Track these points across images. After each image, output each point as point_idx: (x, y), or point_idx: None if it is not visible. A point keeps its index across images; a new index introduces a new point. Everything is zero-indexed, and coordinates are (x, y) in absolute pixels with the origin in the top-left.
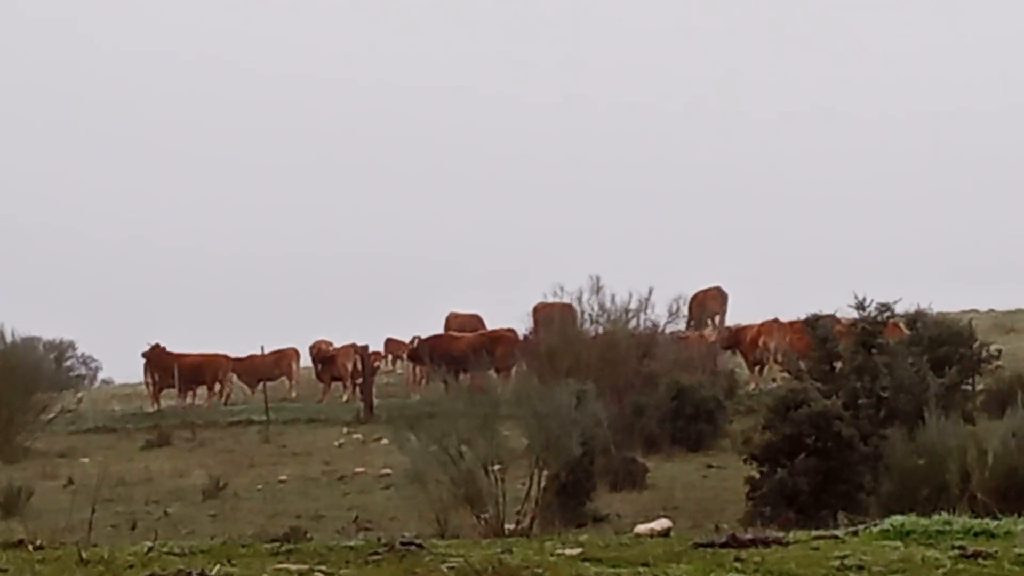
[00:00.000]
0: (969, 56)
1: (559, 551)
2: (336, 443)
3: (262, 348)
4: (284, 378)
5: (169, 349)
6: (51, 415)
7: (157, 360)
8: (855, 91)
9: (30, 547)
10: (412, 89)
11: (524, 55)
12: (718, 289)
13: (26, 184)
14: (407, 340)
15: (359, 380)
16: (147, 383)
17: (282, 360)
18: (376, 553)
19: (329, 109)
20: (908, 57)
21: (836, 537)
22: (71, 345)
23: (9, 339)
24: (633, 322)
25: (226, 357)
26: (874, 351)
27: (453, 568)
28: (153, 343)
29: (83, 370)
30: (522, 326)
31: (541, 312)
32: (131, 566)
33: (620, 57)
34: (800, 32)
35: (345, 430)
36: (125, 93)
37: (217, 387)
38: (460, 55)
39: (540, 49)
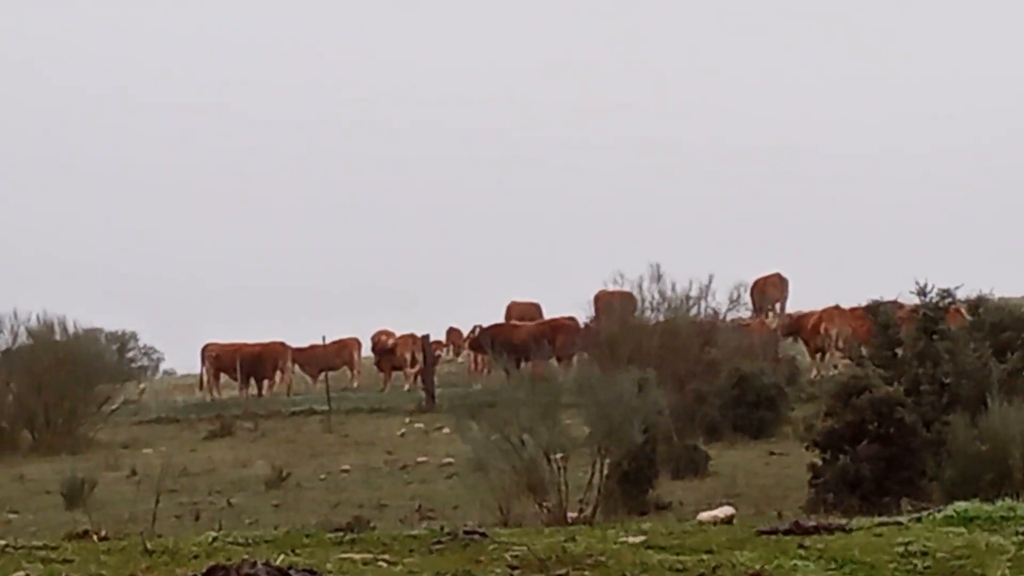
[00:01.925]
0: None
1: (622, 539)
2: (398, 432)
3: (323, 338)
4: (346, 368)
5: (227, 340)
6: (113, 406)
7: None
8: (915, 69)
9: (95, 538)
10: (466, 73)
11: (580, 33)
12: (778, 276)
13: (86, 174)
14: (468, 329)
15: (421, 369)
16: (203, 376)
17: (344, 350)
18: (439, 542)
19: (389, 95)
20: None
21: (899, 523)
22: (133, 336)
23: (71, 331)
24: (694, 310)
25: (284, 345)
26: (936, 337)
27: (516, 557)
28: (208, 343)
29: (145, 361)
30: (582, 314)
31: (602, 300)
32: (196, 556)
33: (673, 34)
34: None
35: (407, 419)
36: (177, 80)
37: (278, 376)
38: (514, 36)
39: (601, 30)
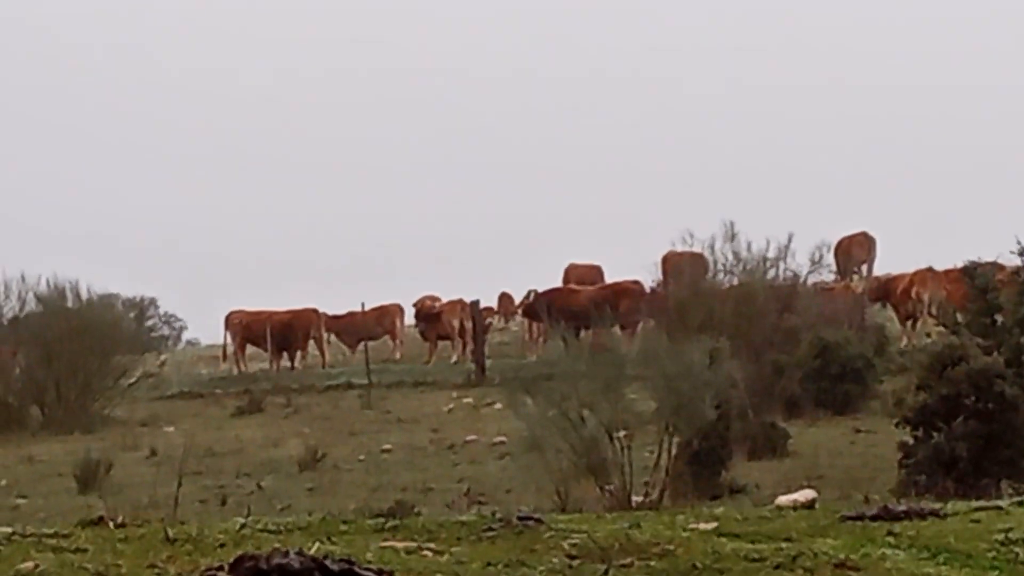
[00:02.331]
0: None
1: (692, 525)
2: (445, 408)
3: (362, 305)
4: (387, 337)
5: (254, 308)
6: (131, 380)
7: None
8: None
9: (111, 525)
10: (519, 15)
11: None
12: (865, 235)
13: (99, 135)
14: (522, 294)
15: (470, 339)
16: (226, 347)
17: (384, 317)
18: (490, 529)
19: (432, 46)
20: None
21: (999, 508)
22: (153, 303)
23: (85, 297)
24: (771, 272)
25: (317, 312)
26: None
27: (575, 545)
28: (233, 311)
29: (166, 330)
30: (648, 278)
31: (670, 262)
32: (222, 545)
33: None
34: None
35: (455, 394)
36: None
37: (311, 347)
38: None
39: None
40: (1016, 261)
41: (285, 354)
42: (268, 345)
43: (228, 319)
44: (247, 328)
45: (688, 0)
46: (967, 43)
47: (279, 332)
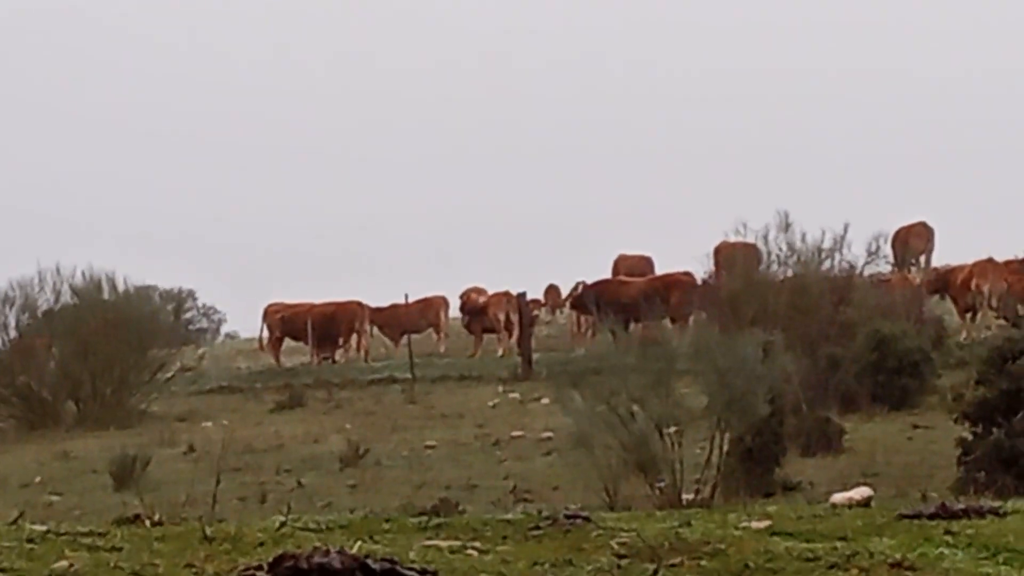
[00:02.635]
0: None
1: (744, 524)
2: (490, 403)
3: (406, 297)
4: (431, 330)
5: (294, 300)
6: (169, 374)
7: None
8: None
9: (147, 523)
10: (556, 21)
11: None
12: (923, 225)
13: (143, 123)
14: (570, 286)
15: (516, 332)
16: (263, 340)
17: (428, 310)
18: (537, 528)
19: (482, 44)
20: None
21: None
22: (191, 295)
23: (121, 289)
24: (827, 263)
25: (360, 304)
26: None
27: (624, 544)
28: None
29: (205, 323)
30: (700, 269)
31: (722, 253)
32: (261, 544)
33: None
34: None
35: (500, 389)
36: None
37: (354, 340)
38: None
39: None
40: None
41: (326, 347)
42: (309, 338)
43: (266, 312)
44: (286, 321)
45: None
46: None
47: (321, 325)
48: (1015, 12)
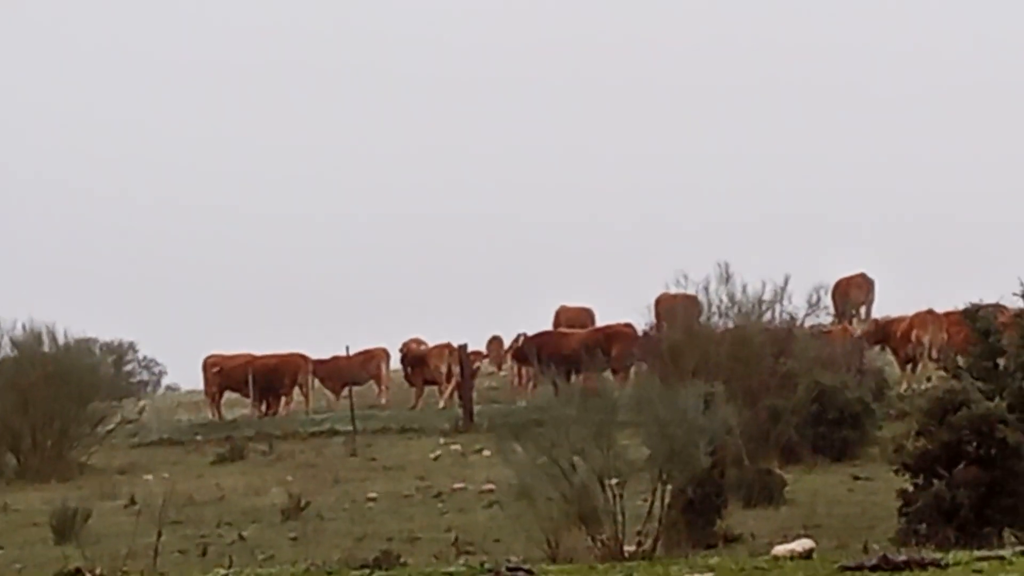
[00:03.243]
0: None
1: (686, 575)
2: (432, 455)
3: (347, 349)
4: (372, 382)
5: (234, 351)
6: (110, 426)
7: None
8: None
9: None
10: (511, 55)
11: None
12: (863, 276)
13: (77, 173)
14: (511, 338)
15: (457, 384)
16: (208, 392)
17: (370, 362)
18: None
19: (410, 98)
20: None
21: (1002, 558)
22: (132, 347)
23: (62, 341)
24: (767, 315)
25: (303, 357)
26: None
27: None
28: (209, 355)
29: (145, 375)
30: (641, 320)
31: (663, 304)
32: None
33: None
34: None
35: (442, 440)
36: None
37: (297, 392)
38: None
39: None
40: (1019, 303)
41: (266, 400)
42: (251, 391)
43: (205, 364)
44: (223, 374)
45: (684, 32)
46: (967, 80)
47: (263, 377)
48: (954, 58)
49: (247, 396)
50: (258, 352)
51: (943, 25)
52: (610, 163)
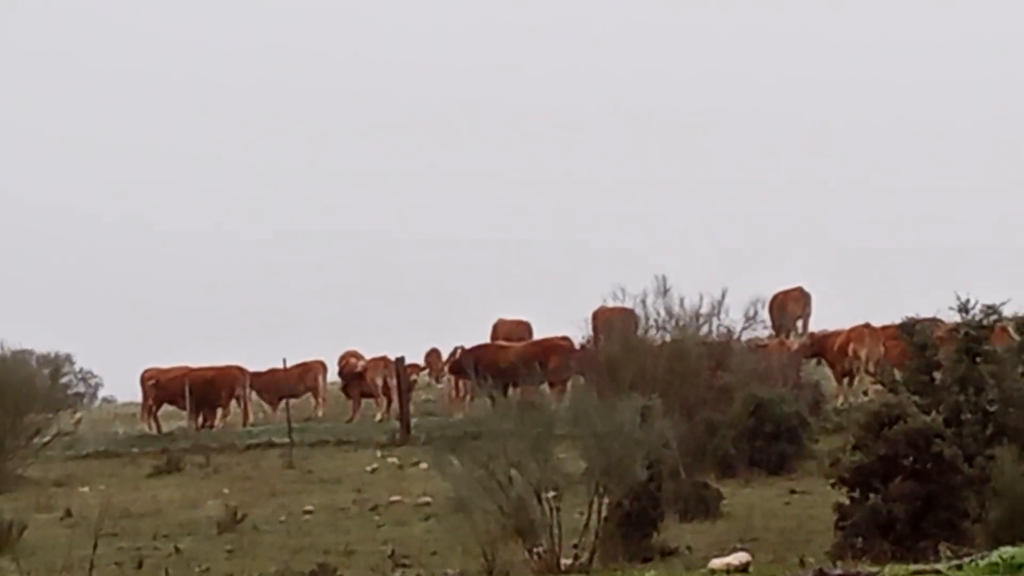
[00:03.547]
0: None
1: None
2: (368, 468)
3: (284, 361)
4: (309, 395)
5: (172, 364)
6: (46, 438)
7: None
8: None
9: None
10: (445, 69)
11: (571, 28)
12: (800, 290)
13: (12, 184)
14: (449, 351)
15: (394, 397)
16: (144, 405)
17: (307, 374)
18: None
19: (353, 117)
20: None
21: (937, 572)
22: (68, 359)
23: None
24: (704, 328)
25: (241, 369)
26: (979, 359)
27: None
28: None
29: (82, 387)
30: (578, 334)
31: (600, 318)
32: None
33: (672, 26)
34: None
35: (379, 453)
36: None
37: (232, 405)
38: (484, 31)
39: (589, 20)
40: (955, 318)
41: (204, 412)
42: (187, 403)
43: (142, 377)
44: (160, 387)
45: (615, 56)
46: (906, 101)
47: (200, 390)
48: (895, 68)
49: (184, 409)
50: (195, 365)
51: (882, 52)
52: (548, 179)
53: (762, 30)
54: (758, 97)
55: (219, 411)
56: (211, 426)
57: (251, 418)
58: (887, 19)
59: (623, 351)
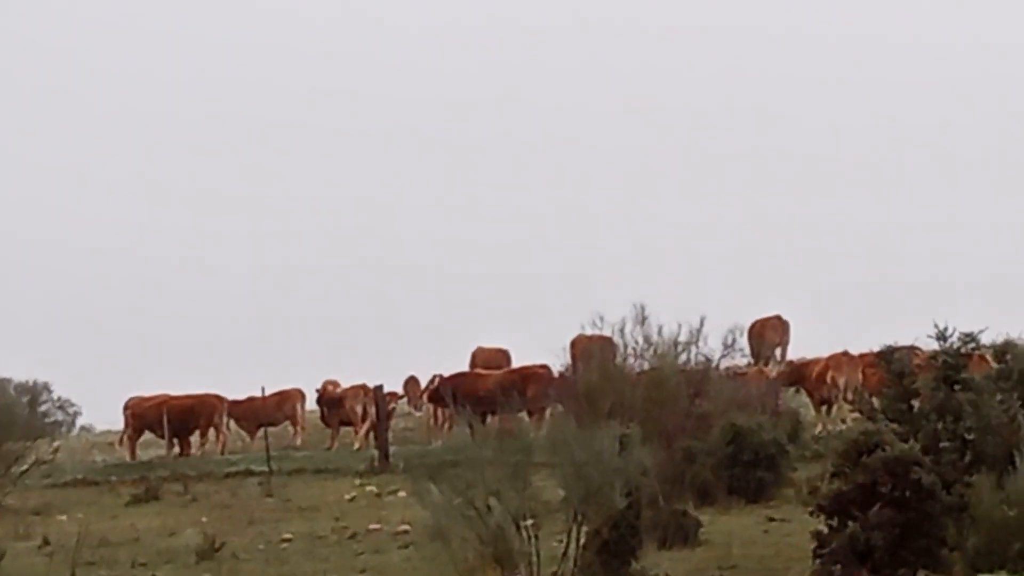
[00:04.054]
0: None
1: None
2: (347, 496)
3: (263, 389)
4: (288, 423)
5: (152, 393)
6: (24, 467)
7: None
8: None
9: None
10: (420, 102)
11: (552, 64)
12: (779, 318)
13: None
14: (427, 379)
15: (373, 425)
16: (124, 433)
17: (285, 402)
18: None
19: (326, 147)
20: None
21: None
22: (46, 387)
23: None
24: (683, 356)
25: (218, 397)
26: (957, 387)
27: None
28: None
29: (60, 416)
30: (557, 362)
31: (579, 346)
32: None
33: (652, 62)
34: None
35: (357, 482)
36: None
37: (211, 433)
38: (470, 65)
39: (571, 57)
40: (933, 346)
41: (182, 440)
42: (165, 431)
43: (125, 406)
44: (137, 416)
45: (578, 86)
46: (877, 120)
47: (178, 418)
48: (871, 107)
49: (162, 437)
50: (176, 393)
51: (858, 89)
52: (527, 210)
53: (735, 68)
54: (735, 131)
55: (197, 439)
56: (186, 454)
57: (228, 446)
58: (862, 58)
59: (601, 379)
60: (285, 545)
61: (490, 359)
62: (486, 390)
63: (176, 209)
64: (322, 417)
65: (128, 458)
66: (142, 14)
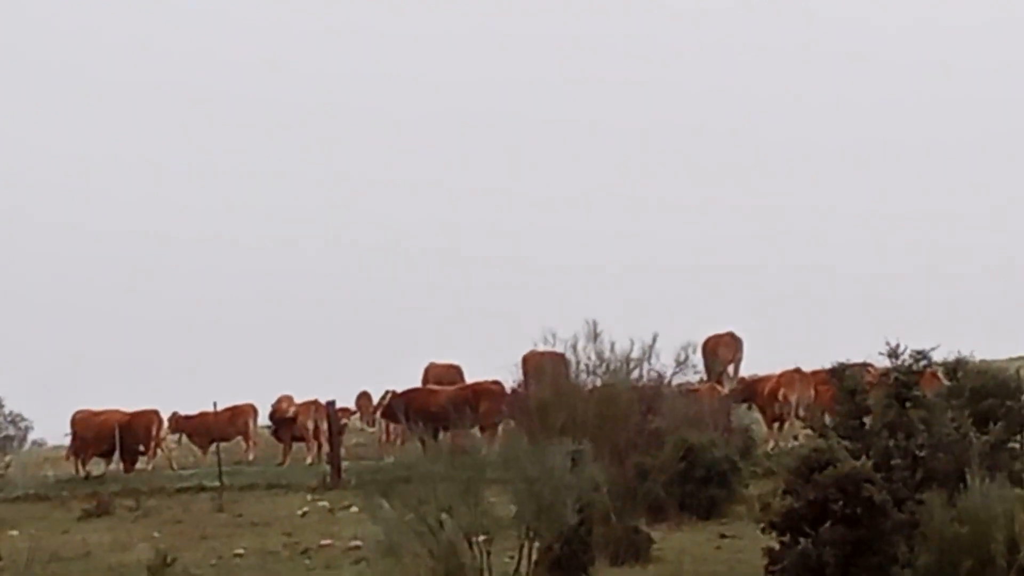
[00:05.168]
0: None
1: None
2: (299, 512)
3: (215, 405)
4: (240, 438)
5: (101, 408)
6: None
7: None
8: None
9: None
10: (391, 118)
11: (528, 76)
12: (731, 335)
13: None
14: (379, 395)
15: (325, 441)
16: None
17: (237, 418)
18: None
19: (289, 152)
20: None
21: None
22: None
23: None
24: (635, 373)
25: (157, 413)
26: (909, 404)
27: None
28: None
29: (11, 430)
30: (509, 378)
31: (531, 362)
32: None
33: (621, 77)
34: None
35: (309, 497)
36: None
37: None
38: (447, 77)
39: (539, 69)
40: (885, 362)
41: (124, 456)
42: (116, 446)
43: (72, 420)
44: (84, 430)
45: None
46: (844, 139)
47: (119, 433)
48: (829, 125)
49: (99, 453)
50: (126, 408)
51: (815, 105)
52: (479, 224)
53: (710, 83)
54: (691, 146)
55: (140, 455)
56: (130, 470)
57: (181, 461)
58: (815, 76)
59: (554, 395)
60: (237, 560)
61: (442, 375)
62: (438, 406)
63: (127, 220)
64: (274, 433)
65: (75, 472)
66: None
